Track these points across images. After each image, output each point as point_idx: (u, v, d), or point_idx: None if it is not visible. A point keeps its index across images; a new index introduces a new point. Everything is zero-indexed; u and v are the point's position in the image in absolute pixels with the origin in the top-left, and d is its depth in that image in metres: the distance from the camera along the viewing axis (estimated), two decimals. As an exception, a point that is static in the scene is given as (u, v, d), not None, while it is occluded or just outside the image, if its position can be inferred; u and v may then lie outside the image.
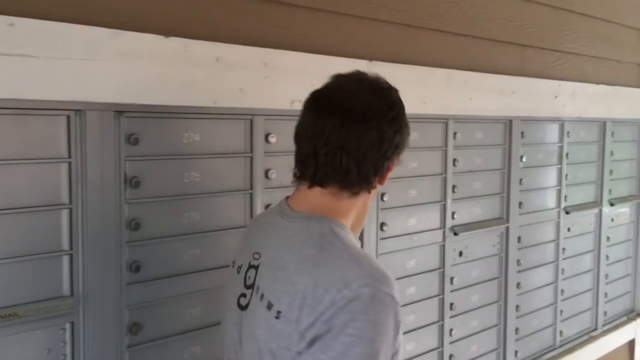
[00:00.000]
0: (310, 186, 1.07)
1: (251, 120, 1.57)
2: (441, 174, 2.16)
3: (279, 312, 0.97)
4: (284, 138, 1.62)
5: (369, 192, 1.09)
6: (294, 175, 1.10)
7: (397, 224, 2.00)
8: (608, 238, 3.12)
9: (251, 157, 1.59)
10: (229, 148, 1.55)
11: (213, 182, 1.52)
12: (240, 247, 1.18)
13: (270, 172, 1.62)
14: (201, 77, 1.44)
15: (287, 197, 1.14)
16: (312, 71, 1.64)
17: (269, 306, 0.99)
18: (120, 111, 1.33)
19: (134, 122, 1.36)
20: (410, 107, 1.92)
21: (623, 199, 3.19)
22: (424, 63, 2.00)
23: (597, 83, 2.85)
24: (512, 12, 2.38)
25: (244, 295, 1.07)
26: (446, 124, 2.14)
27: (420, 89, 1.97)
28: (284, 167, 1.62)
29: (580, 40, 2.77)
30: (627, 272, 3.33)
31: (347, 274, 0.94)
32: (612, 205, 3.10)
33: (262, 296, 1.02)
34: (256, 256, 1.08)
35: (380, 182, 1.10)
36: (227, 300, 1.14)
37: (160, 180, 1.42)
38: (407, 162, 2.02)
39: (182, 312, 1.49)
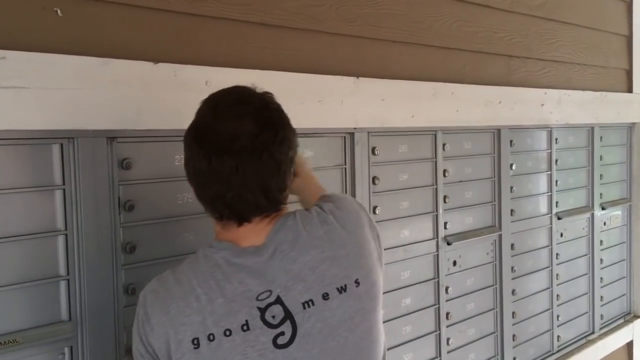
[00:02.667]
0: (239, 224, 1.09)
1: (242, 141, 1.60)
2: (432, 185, 2.19)
3: (356, 280, 1.09)
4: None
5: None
6: (214, 216, 1.12)
7: (390, 236, 2.03)
8: (601, 242, 3.16)
9: (243, 177, 1.61)
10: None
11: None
12: (202, 315, 1.04)
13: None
14: (191, 101, 1.44)
15: (220, 239, 1.12)
16: (300, 90, 1.69)
17: (342, 289, 1.07)
18: (112, 137, 1.36)
19: (126, 147, 1.39)
20: (399, 120, 1.99)
21: (614, 203, 3.23)
22: (410, 77, 2.04)
23: (584, 89, 2.90)
24: (495, 24, 2.43)
25: (280, 334, 1.03)
26: (435, 135, 2.18)
27: (408, 103, 2.01)
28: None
29: (564, 48, 2.82)
30: (622, 275, 3.36)
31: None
32: (603, 209, 3.13)
33: (324, 295, 1.06)
34: (264, 296, 1.05)
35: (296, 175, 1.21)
36: None
37: (154, 203, 1.45)
38: (398, 175, 2.05)
39: (179, 332, 1.50)
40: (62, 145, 1.29)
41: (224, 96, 1.13)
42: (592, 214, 3.07)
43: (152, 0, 1.41)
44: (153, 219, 1.44)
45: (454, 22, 2.23)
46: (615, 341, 3.21)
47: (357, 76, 1.84)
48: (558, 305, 2.85)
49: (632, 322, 3.36)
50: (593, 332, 3.10)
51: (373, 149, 1.94)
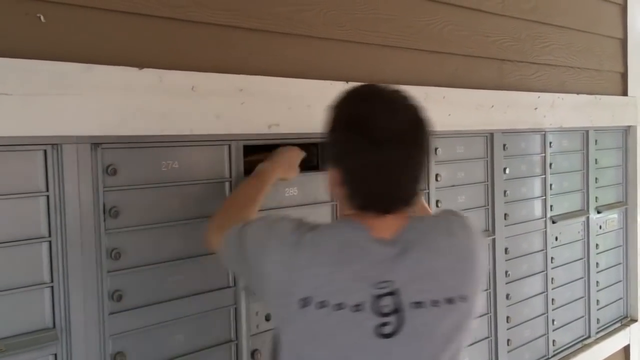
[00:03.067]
0: (385, 214, 1.15)
1: (229, 146, 1.60)
2: (424, 190, 2.18)
3: (464, 297, 1.14)
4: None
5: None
6: (355, 205, 1.15)
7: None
8: (597, 245, 3.14)
9: (230, 182, 1.61)
10: (209, 174, 1.57)
11: (194, 208, 1.54)
12: (325, 279, 1.09)
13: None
14: (177, 106, 1.46)
15: (356, 221, 1.16)
16: (288, 95, 1.68)
17: (451, 301, 1.12)
18: (97, 143, 1.35)
19: (111, 153, 1.39)
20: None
21: (610, 206, 3.22)
22: (401, 82, 2.02)
23: (578, 93, 2.89)
24: (487, 28, 2.43)
25: (384, 324, 1.08)
26: (427, 140, 2.17)
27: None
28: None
29: (558, 51, 2.81)
30: (618, 279, 3.35)
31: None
32: (599, 212, 3.12)
33: (434, 302, 1.11)
34: (383, 285, 1.09)
35: None
36: (329, 341, 1.09)
37: (140, 209, 1.44)
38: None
39: (166, 339, 1.50)
40: (45, 151, 1.29)
41: (370, 92, 1.19)
42: (588, 218, 3.06)
43: (137, 5, 1.41)
44: (139, 225, 1.44)
45: (445, 26, 2.23)
46: (611, 345, 3.20)
47: (347, 81, 1.83)
48: (553, 310, 2.84)
49: (628, 326, 3.34)
50: (589, 336, 3.09)
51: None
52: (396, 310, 1.09)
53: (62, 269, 1.31)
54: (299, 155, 1.66)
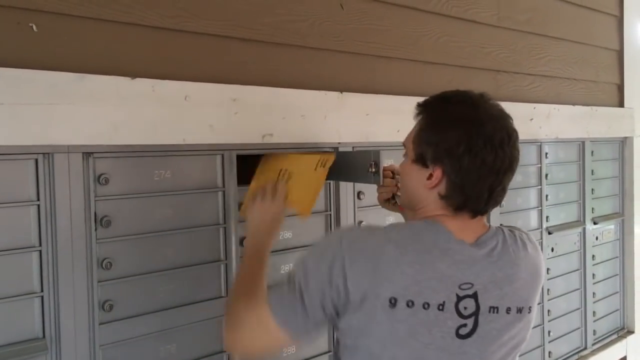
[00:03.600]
0: (473, 217, 1.18)
1: (222, 156, 1.59)
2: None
3: (530, 308, 1.20)
4: (256, 172, 1.64)
5: None
6: (452, 206, 1.17)
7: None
8: (593, 256, 3.13)
9: (224, 192, 1.60)
10: (202, 183, 1.57)
11: (187, 218, 1.54)
12: (412, 280, 1.10)
13: (244, 205, 1.64)
14: (170, 116, 1.46)
15: (440, 222, 1.18)
16: (282, 105, 1.68)
17: (520, 311, 1.17)
18: (89, 152, 1.35)
19: (103, 163, 1.39)
20: (384, 135, 1.98)
21: (607, 217, 3.22)
22: (396, 92, 2.04)
23: (573, 104, 2.89)
24: (482, 39, 2.43)
25: (463, 325, 1.12)
26: (421, 150, 2.16)
27: (393, 118, 2.00)
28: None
29: (553, 62, 2.82)
30: (615, 290, 3.34)
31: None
32: (595, 223, 3.12)
33: (507, 309, 1.15)
34: (466, 286, 1.12)
35: None
36: (411, 339, 1.11)
37: (132, 218, 1.44)
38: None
39: (158, 349, 1.49)
40: (36, 160, 1.29)
41: (471, 96, 1.23)
42: (584, 229, 3.05)
43: (130, 15, 1.41)
44: (130, 235, 1.43)
45: (439, 37, 2.23)
46: (608, 357, 3.18)
47: (341, 91, 1.83)
48: (549, 321, 2.83)
49: (625, 337, 3.33)
50: (585, 348, 3.07)
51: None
52: (475, 313, 1.12)
53: (53, 279, 1.31)
54: (269, 208, 1.45)
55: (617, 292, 3.35)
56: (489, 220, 2.39)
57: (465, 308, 1.11)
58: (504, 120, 1.19)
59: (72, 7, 1.33)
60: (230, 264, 1.62)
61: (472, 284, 1.12)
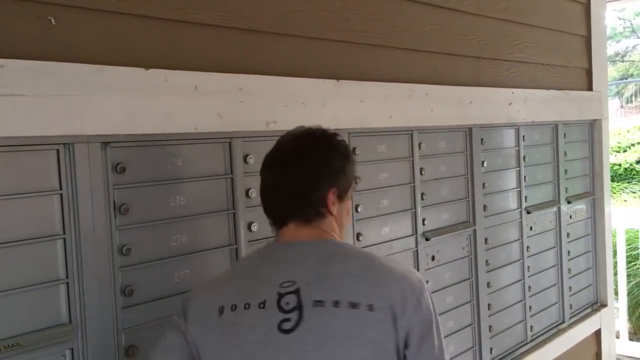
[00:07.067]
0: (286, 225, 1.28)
1: (230, 143, 1.65)
2: (410, 183, 2.26)
3: (370, 305, 1.15)
4: (262, 158, 1.70)
5: (332, 213, 1.30)
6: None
7: (372, 234, 2.09)
8: (568, 234, 3.28)
9: (232, 178, 1.66)
10: (211, 171, 1.62)
11: (198, 204, 1.58)
12: (236, 289, 1.23)
13: (250, 191, 1.69)
14: (181, 105, 1.51)
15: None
16: (285, 93, 1.74)
17: (354, 306, 1.15)
18: (106, 142, 1.39)
19: (120, 152, 1.42)
20: (377, 121, 2.06)
21: (579, 196, 3.37)
22: (388, 79, 2.11)
23: (547, 88, 3.03)
24: (464, 27, 2.53)
25: (286, 320, 1.15)
26: (411, 135, 2.25)
27: (386, 104, 2.08)
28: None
29: (528, 49, 2.94)
30: (588, 266, 3.50)
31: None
32: (569, 202, 3.26)
33: (335, 302, 1.15)
34: (287, 284, 1.18)
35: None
36: (240, 340, 1.17)
37: (148, 205, 1.48)
38: (378, 174, 2.12)
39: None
40: (58, 151, 1.32)
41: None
42: (559, 208, 3.20)
43: (143, 8, 1.45)
44: (147, 222, 1.48)
45: (425, 26, 2.31)
46: (584, 330, 3.34)
47: (338, 79, 1.90)
48: (530, 297, 2.96)
49: (599, 310, 3.49)
50: (563, 322, 3.22)
51: (354, 149, 2.00)
52: (297, 307, 1.15)
53: (77, 266, 1.34)
54: None
55: (590, 268, 3.52)
56: (471, 197, 2.52)
57: (287, 304, 1.16)
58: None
59: (88, 0, 1.36)
60: (239, 249, 1.67)
61: (294, 282, 1.18)
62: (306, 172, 1.27)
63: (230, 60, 1.65)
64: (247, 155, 1.68)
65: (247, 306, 1.17)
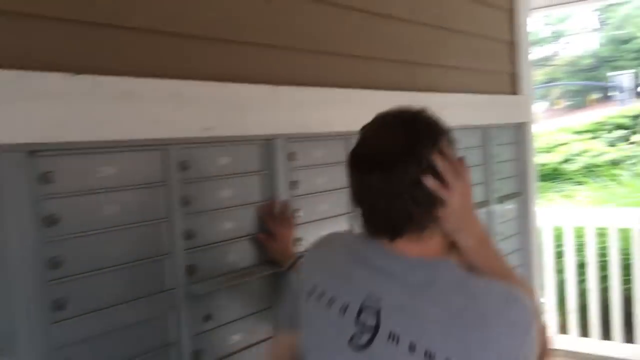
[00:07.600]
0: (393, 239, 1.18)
1: (167, 150, 1.60)
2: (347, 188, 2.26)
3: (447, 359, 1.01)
4: (199, 166, 1.67)
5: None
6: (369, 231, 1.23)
7: (311, 238, 2.08)
8: (500, 233, 3.39)
9: (166, 186, 1.61)
10: (146, 179, 1.57)
11: (132, 213, 1.53)
12: (329, 275, 1.23)
13: (188, 198, 1.65)
14: (113, 112, 1.45)
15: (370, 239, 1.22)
16: (222, 98, 1.72)
17: (430, 356, 1.02)
18: (32, 151, 1.32)
19: (47, 161, 1.35)
20: (316, 126, 2.05)
21: (508, 196, 3.49)
22: (324, 84, 2.12)
23: (477, 93, 3.12)
24: (397, 32, 2.57)
25: (358, 335, 1.11)
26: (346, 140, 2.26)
27: (324, 109, 2.08)
28: (204, 194, 1.67)
29: (458, 54, 3.02)
30: (519, 263, 3.63)
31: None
32: (500, 202, 3.37)
33: (411, 346, 1.04)
34: (372, 299, 1.12)
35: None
36: (320, 335, 1.18)
37: (79, 216, 1.42)
38: (316, 179, 2.12)
39: (110, 345, 1.48)
40: (-21, 161, 1.24)
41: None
42: (491, 208, 3.30)
43: (70, 11, 1.39)
44: (79, 232, 1.41)
45: (360, 31, 2.34)
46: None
47: (276, 84, 1.88)
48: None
49: (531, 306, 3.62)
50: (497, 318, 3.31)
51: (291, 154, 1.99)
52: (372, 329, 1.10)
53: (2, 282, 1.27)
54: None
55: (521, 265, 3.64)
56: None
57: (366, 319, 1.11)
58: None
59: (9, 3, 1.29)
60: (175, 258, 1.63)
61: (380, 299, 1.11)
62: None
63: (166, 66, 1.60)
64: (183, 162, 1.64)
65: (331, 301, 1.17)
